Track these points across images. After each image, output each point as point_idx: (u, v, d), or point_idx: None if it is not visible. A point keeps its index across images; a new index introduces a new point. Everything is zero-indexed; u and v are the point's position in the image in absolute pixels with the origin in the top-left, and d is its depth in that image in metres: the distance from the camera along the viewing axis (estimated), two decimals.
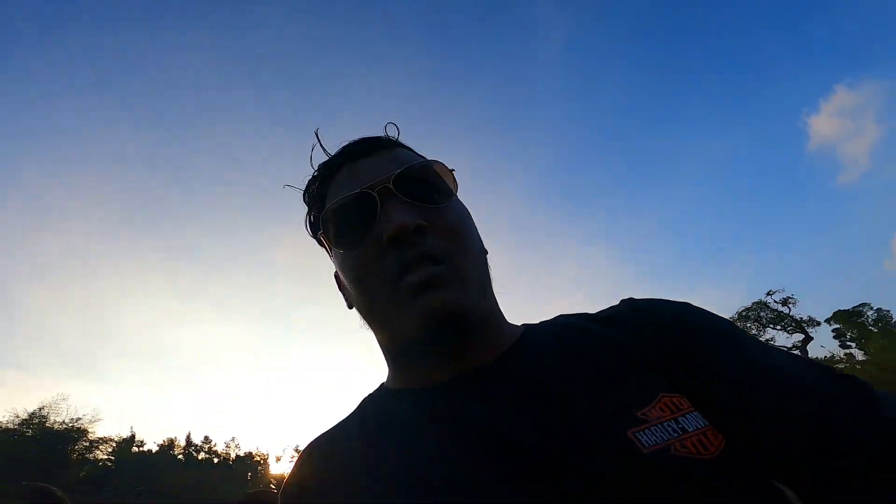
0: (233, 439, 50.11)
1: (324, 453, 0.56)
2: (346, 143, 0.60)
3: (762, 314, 30.96)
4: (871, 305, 29.23)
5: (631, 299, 0.57)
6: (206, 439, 48.47)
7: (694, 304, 0.54)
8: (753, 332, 29.74)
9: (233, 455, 49.24)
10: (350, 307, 0.60)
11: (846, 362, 28.46)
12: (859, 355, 27.99)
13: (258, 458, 50.53)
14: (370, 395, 0.60)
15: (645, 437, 0.40)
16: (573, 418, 0.43)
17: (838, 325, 29.80)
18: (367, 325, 0.58)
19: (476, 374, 0.50)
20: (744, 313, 30.60)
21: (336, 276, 0.62)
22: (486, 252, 0.59)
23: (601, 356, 0.49)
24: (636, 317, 0.53)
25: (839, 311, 30.06)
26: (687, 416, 0.43)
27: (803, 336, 30.83)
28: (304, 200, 0.63)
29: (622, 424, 0.42)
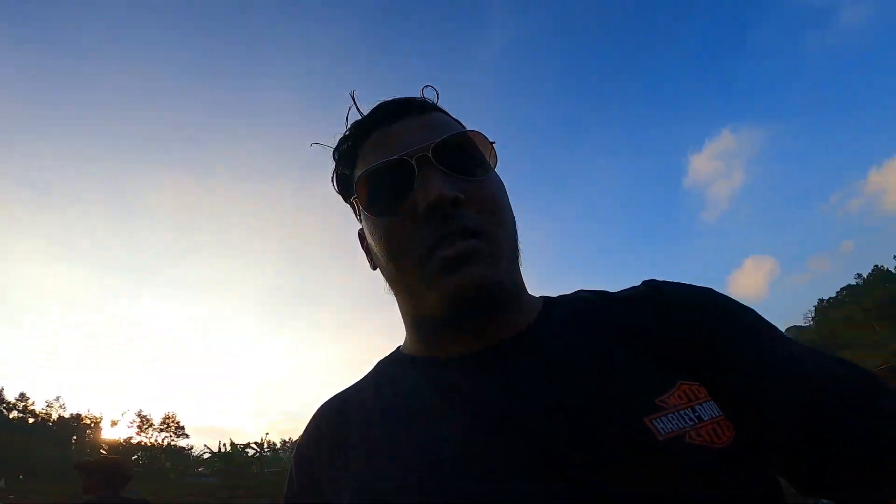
0: (57, 399, 44.47)
1: (339, 417, 0.55)
2: (381, 101, 0.57)
3: None
4: None
5: (653, 281, 0.55)
6: (23, 396, 42.29)
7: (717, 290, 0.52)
8: None
9: (55, 416, 43.36)
10: (374, 268, 0.58)
11: None
12: None
13: (88, 421, 45.15)
14: (386, 358, 0.60)
15: (661, 424, 0.40)
16: (589, 403, 0.43)
17: None
18: (390, 290, 0.57)
19: (496, 351, 0.49)
20: None
21: (360, 236, 0.60)
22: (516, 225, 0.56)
23: (621, 340, 0.48)
24: (658, 300, 0.51)
25: None
26: (703, 404, 0.42)
27: None
28: (334, 157, 0.60)
29: (639, 411, 0.41)
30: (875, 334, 33.48)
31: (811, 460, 0.39)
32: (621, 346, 0.47)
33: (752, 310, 0.50)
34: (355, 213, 0.59)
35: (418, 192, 0.48)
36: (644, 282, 0.55)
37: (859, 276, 57.59)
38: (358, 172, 0.54)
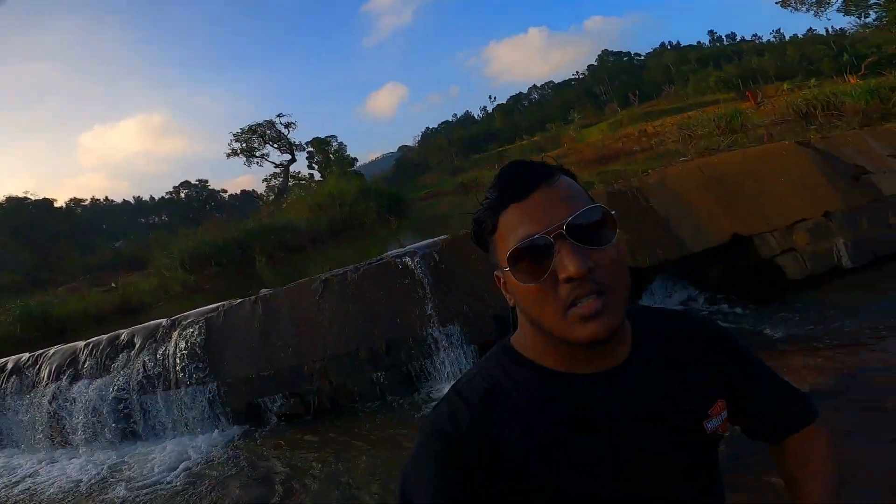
0: None
1: (492, 415, 0.66)
2: (510, 172, 0.66)
3: (268, 132, 33.73)
4: (337, 138, 37.58)
5: (704, 325, 0.81)
6: None
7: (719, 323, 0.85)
8: (255, 145, 32.29)
9: None
10: (512, 305, 0.70)
11: (309, 181, 34.98)
12: (317, 176, 35.45)
13: None
14: (511, 360, 0.71)
15: (709, 424, 0.71)
16: (676, 416, 0.69)
17: (311, 150, 36.64)
18: (526, 320, 0.68)
19: (616, 371, 0.68)
20: (253, 127, 32.58)
21: (498, 278, 0.70)
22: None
23: (689, 369, 0.73)
24: (705, 343, 0.77)
25: (316, 138, 36.86)
26: (724, 412, 0.73)
27: (290, 156, 35.81)
28: (478, 226, 0.69)
29: (700, 418, 0.70)
30: (452, 161, 43.95)
31: (763, 426, 0.83)
32: (689, 374, 0.72)
33: (740, 341, 0.82)
34: (497, 268, 0.68)
35: (558, 265, 0.59)
36: (696, 321, 0.82)
37: (455, 115, 76.97)
38: (498, 240, 0.65)
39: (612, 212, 0.63)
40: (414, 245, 5.35)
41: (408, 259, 4.74)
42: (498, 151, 39.37)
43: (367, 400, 4.36)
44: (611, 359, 0.68)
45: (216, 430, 4.46)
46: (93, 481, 4.13)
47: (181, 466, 4.01)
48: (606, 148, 18.84)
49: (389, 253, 5.18)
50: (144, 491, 3.77)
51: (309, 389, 4.38)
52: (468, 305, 4.51)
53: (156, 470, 4.03)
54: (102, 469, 4.28)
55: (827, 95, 9.73)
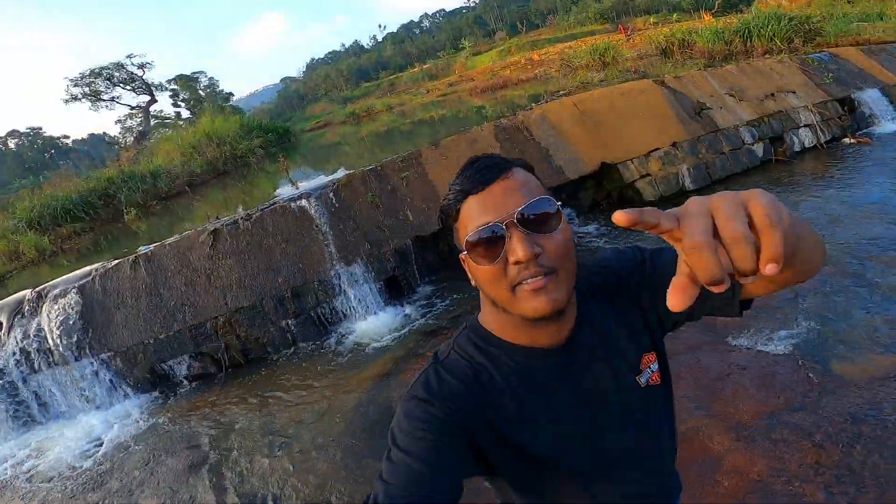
0: None
1: (481, 383, 0.76)
2: (472, 167, 0.73)
3: (116, 74, 29.44)
4: (206, 73, 33.42)
5: (609, 268, 0.86)
6: None
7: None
8: (101, 89, 28.04)
9: None
10: (474, 286, 0.76)
11: (176, 119, 31.29)
12: (186, 114, 31.59)
13: None
14: (482, 338, 0.79)
15: (641, 378, 0.81)
16: (617, 374, 0.79)
17: (176, 88, 32.27)
18: (486, 299, 0.77)
19: (568, 344, 0.77)
20: (97, 70, 27.91)
21: (462, 260, 0.75)
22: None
23: (616, 326, 0.81)
24: (618, 288, 0.84)
25: (181, 75, 32.57)
26: (653, 363, 0.82)
27: (149, 97, 31.80)
28: (444, 214, 0.76)
29: (633, 374, 0.81)
30: (342, 90, 41.23)
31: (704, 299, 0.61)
32: (621, 336, 0.82)
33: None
34: (460, 251, 0.75)
35: (508, 251, 0.66)
36: (616, 255, 0.88)
37: (343, 45, 71.08)
38: (460, 227, 0.73)
39: (558, 203, 0.70)
40: (308, 186, 5.21)
41: (303, 202, 4.63)
42: (389, 80, 37.78)
43: (281, 349, 4.37)
44: (563, 332, 0.76)
45: (125, 402, 4.18)
46: None
47: (94, 446, 3.71)
48: (496, 76, 19.12)
49: (282, 196, 5.00)
50: (60, 484, 3.35)
51: (216, 346, 4.26)
52: (369, 242, 4.63)
53: (66, 456, 3.65)
54: (5, 467, 3.72)
55: (682, 33, 10.79)
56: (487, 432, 0.73)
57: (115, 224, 8.20)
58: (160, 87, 31.89)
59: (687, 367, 2.86)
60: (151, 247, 4.62)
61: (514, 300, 0.68)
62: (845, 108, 6.91)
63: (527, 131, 5.40)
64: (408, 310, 4.55)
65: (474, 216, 0.69)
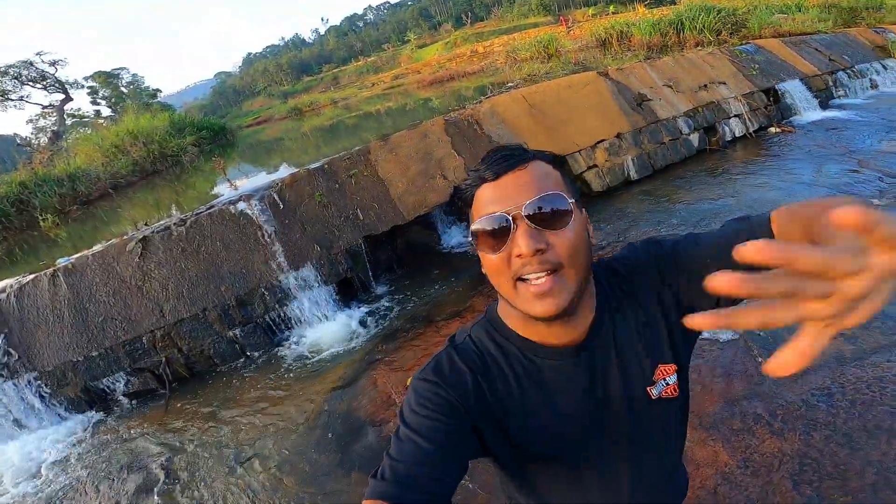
0: None
1: (487, 372, 0.76)
2: (493, 155, 0.71)
3: (24, 73, 27.61)
4: (128, 70, 31.55)
5: (636, 254, 0.82)
6: None
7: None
8: (9, 88, 26.14)
9: None
10: (484, 272, 0.74)
11: (96, 118, 29.53)
12: (107, 112, 29.88)
13: None
14: (496, 329, 0.78)
15: (653, 390, 0.77)
16: (627, 383, 0.76)
17: (94, 85, 30.58)
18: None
19: (580, 346, 0.75)
20: (2, 69, 26.01)
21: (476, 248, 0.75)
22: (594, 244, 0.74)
23: (633, 333, 0.78)
24: (639, 284, 0.79)
25: (99, 71, 31.00)
26: (670, 377, 0.78)
27: (63, 95, 29.88)
28: (459, 197, 0.74)
29: (645, 384, 0.77)
30: (282, 85, 39.67)
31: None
32: (638, 337, 0.78)
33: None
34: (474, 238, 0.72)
35: (512, 244, 0.65)
36: (634, 251, 0.83)
37: (283, 38, 68.39)
38: (473, 213, 0.71)
39: (572, 200, 0.68)
40: (249, 186, 4.89)
41: (242, 205, 4.34)
42: (333, 73, 36.72)
43: (229, 360, 4.10)
44: (575, 334, 0.74)
45: (61, 424, 3.82)
46: None
47: (29, 474, 3.34)
48: (442, 68, 19.01)
49: (221, 199, 4.66)
50: None
51: (156, 362, 3.93)
52: (318, 244, 4.42)
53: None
54: None
55: (621, 25, 11.15)
56: (489, 420, 0.73)
57: (30, 232, 7.40)
58: (76, 85, 29.93)
59: None
60: (73, 258, 4.17)
61: (517, 295, 0.67)
62: (770, 99, 7.39)
63: (477, 125, 5.34)
64: (363, 312, 4.39)
65: (485, 204, 0.68)
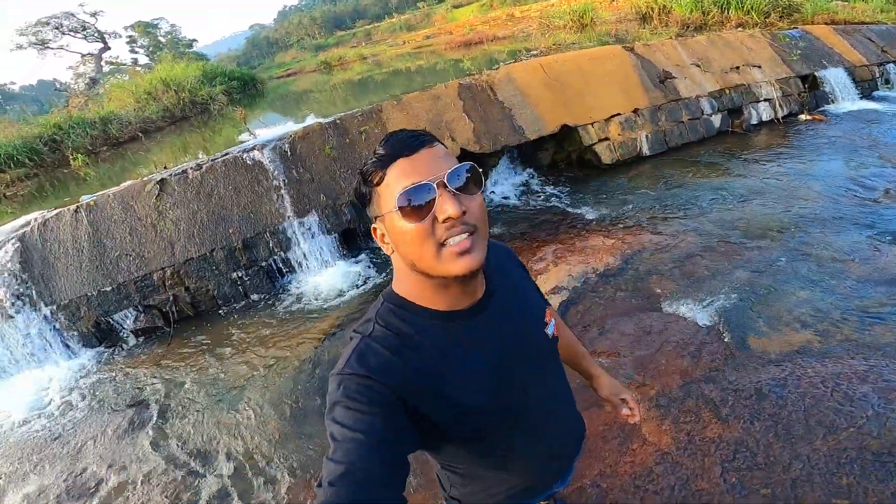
0: None
1: (405, 356, 0.77)
2: (398, 136, 0.76)
3: (65, 23, 28.12)
4: (168, 20, 31.91)
5: (503, 249, 1.01)
6: None
7: None
8: (49, 38, 26.59)
9: None
10: (390, 253, 0.80)
11: (133, 66, 30.02)
12: (144, 60, 30.31)
13: None
14: (402, 307, 0.81)
15: (548, 330, 0.93)
16: (529, 328, 0.91)
17: (133, 34, 31.15)
18: (403, 264, 0.78)
19: (484, 302, 0.83)
20: (43, 20, 26.34)
21: (375, 233, 0.81)
22: None
23: (522, 288, 0.95)
24: (514, 263, 1.01)
25: (139, 21, 31.59)
26: (555, 317, 0.99)
27: (102, 44, 30.68)
28: (364, 178, 0.78)
29: (542, 326, 0.93)
30: (315, 38, 39.29)
31: None
32: (527, 290, 0.98)
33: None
34: (371, 218, 0.80)
35: (438, 208, 0.70)
36: (500, 248, 1.00)
37: None
38: (383, 190, 0.74)
39: (480, 169, 0.77)
40: (263, 138, 5.04)
41: (256, 153, 4.49)
42: (366, 29, 36.11)
43: (232, 301, 4.32)
44: (476, 294, 0.82)
45: (71, 358, 4.06)
46: None
47: (38, 404, 3.60)
48: (474, 31, 18.52)
49: (235, 148, 4.83)
50: (3, 444, 3.25)
51: (164, 299, 4.18)
52: (325, 194, 4.56)
53: (9, 415, 3.54)
54: None
55: (664, 0, 10.61)
56: (421, 399, 0.75)
57: (61, 170, 7.78)
58: (115, 35, 30.58)
59: (619, 331, 2.94)
60: (95, 196, 4.43)
61: (439, 260, 0.72)
62: (806, 85, 7.04)
63: (490, 90, 5.31)
64: (364, 263, 4.56)
65: (403, 178, 0.72)
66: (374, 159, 0.76)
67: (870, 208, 4.01)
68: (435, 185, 0.70)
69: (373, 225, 0.81)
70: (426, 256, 0.72)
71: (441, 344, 0.79)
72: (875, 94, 7.55)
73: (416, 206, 0.70)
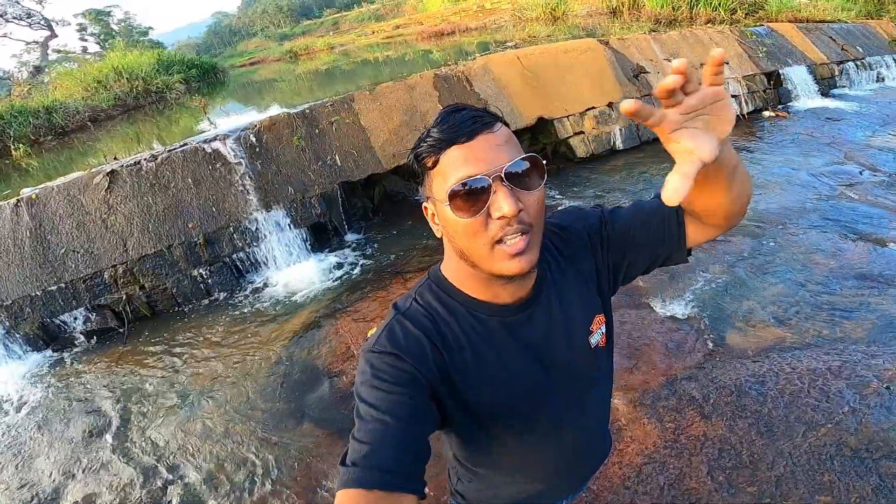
0: None
1: (438, 339, 0.74)
2: (455, 116, 0.68)
3: (10, 10, 26.57)
4: (122, 7, 30.46)
5: (581, 216, 0.87)
6: None
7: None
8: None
9: None
10: (439, 236, 0.75)
11: (82, 54, 28.62)
12: (94, 48, 28.96)
13: None
14: (444, 290, 0.78)
15: (591, 339, 0.84)
16: (570, 335, 0.81)
17: (84, 22, 29.50)
18: (453, 250, 0.74)
19: (528, 302, 0.78)
20: None
21: (426, 211, 0.76)
22: None
23: (572, 287, 0.83)
24: (574, 245, 0.85)
25: (91, 9, 29.99)
26: (603, 326, 0.86)
27: (49, 32, 29.08)
28: (418, 160, 0.71)
29: (585, 335, 0.83)
30: (279, 27, 38.03)
31: (664, 239, 0.82)
32: (578, 291, 0.83)
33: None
34: (426, 198, 0.74)
35: (493, 204, 0.64)
36: (573, 214, 0.89)
37: None
38: (436, 175, 0.68)
39: (544, 161, 0.69)
40: (225, 128, 4.75)
41: (218, 143, 4.22)
42: (333, 18, 35.23)
43: (193, 299, 4.06)
44: (524, 290, 0.77)
45: (15, 362, 3.73)
46: None
47: None
48: (445, 22, 18.32)
49: (195, 138, 4.53)
50: None
51: (117, 298, 3.88)
52: (293, 187, 4.34)
53: None
54: None
55: None
56: (447, 384, 0.73)
57: (1, 161, 7.18)
58: (63, 23, 28.84)
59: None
60: (37, 189, 4.06)
61: (491, 257, 0.67)
62: (771, 83, 7.24)
63: (466, 82, 5.18)
64: (333, 258, 4.37)
65: (458, 166, 0.66)
66: (429, 142, 0.69)
67: (832, 203, 4.13)
68: (491, 180, 0.64)
69: (423, 204, 0.76)
70: (476, 252, 0.68)
71: (471, 334, 0.76)
72: (833, 91, 7.85)
73: (469, 200, 0.65)
